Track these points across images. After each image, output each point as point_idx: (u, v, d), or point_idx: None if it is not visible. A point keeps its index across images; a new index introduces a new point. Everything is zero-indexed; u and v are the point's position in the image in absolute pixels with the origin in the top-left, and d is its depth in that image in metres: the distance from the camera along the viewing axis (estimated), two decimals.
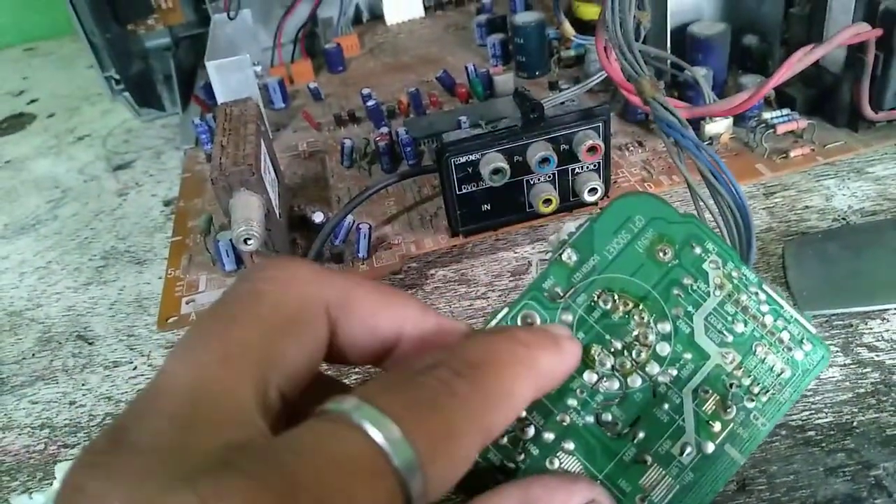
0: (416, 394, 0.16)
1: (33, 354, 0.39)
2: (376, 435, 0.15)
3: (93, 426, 0.34)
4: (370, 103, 0.49)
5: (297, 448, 0.14)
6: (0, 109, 0.73)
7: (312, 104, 0.55)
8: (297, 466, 0.14)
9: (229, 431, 0.15)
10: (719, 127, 0.40)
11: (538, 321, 0.21)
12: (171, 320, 0.36)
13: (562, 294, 0.22)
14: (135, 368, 0.37)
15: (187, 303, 0.37)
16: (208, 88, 0.54)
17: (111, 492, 0.13)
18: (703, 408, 0.21)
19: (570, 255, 0.22)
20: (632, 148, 0.42)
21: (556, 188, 0.36)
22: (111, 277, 0.44)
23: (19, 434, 0.34)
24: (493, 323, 0.21)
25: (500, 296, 0.37)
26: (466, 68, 0.51)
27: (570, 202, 0.37)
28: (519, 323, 0.21)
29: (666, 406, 0.21)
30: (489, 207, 0.36)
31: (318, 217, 0.39)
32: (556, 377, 0.20)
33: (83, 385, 0.37)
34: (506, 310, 0.21)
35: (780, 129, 0.40)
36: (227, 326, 0.17)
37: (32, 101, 0.74)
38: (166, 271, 0.39)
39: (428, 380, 0.16)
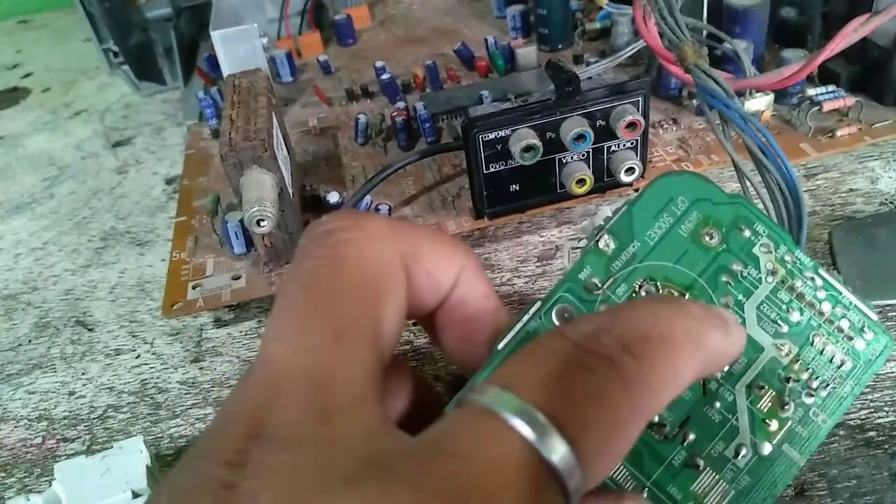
0: (578, 385, 0.15)
1: (30, 341, 0.37)
2: (538, 443, 0.14)
3: (93, 418, 0.32)
4: (384, 77, 0.46)
5: (456, 451, 0.14)
6: None
7: (322, 78, 0.52)
8: (460, 473, 0.13)
9: (363, 417, 0.15)
10: (760, 103, 0.38)
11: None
12: (176, 306, 0.33)
13: (599, 285, 0.20)
14: (138, 357, 0.35)
15: (194, 287, 0.34)
16: (212, 61, 0.52)
17: (265, 491, 0.13)
18: (759, 405, 0.19)
19: (607, 243, 0.20)
20: (666, 125, 0.40)
21: (589, 167, 0.34)
22: (111, 259, 0.42)
23: (15, 426, 0.32)
24: (525, 319, 0.19)
25: (526, 282, 0.35)
26: (486, 41, 0.48)
27: (604, 182, 0.35)
28: (554, 318, 0.19)
29: (717, 404, 0.19)
30: (518, 188, 0.34)
31: (333, 197, 0.37)
32: (721, 363, 0.18)
33: (83, 374, 0.34)
34: (538, 304, 0.19)
35: (826, 107, 0.37)
36: (323, 302, 0.16)
37: (27, 74, 0.71)
38: (171, 254, 0.37)
39: (592, 360, 0.15)
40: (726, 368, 0.19)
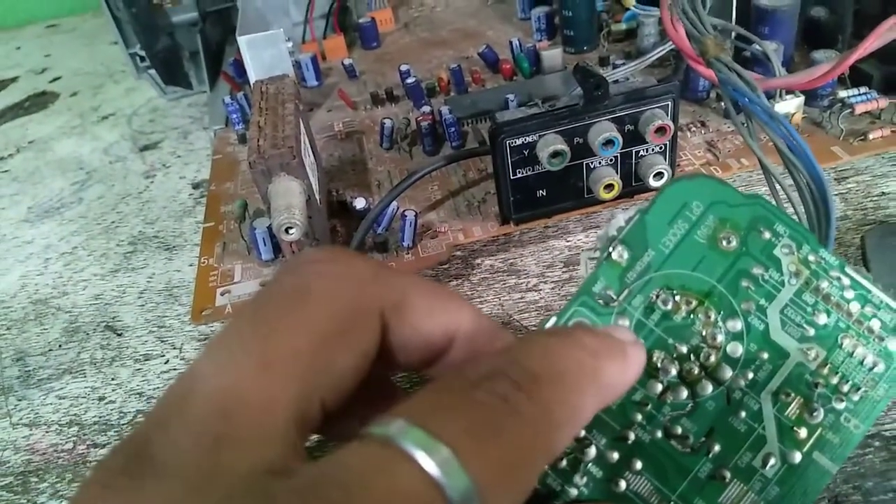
0: (474, 415, 0.14)
1: (60, 346, 0.37)
2: (431, 467, 0.13)
3: (123, 424, 0.32)
4: (409, 80, 0.46)
5: (344, 481, 0.13)
6: (22, 88, 0.71)
7: (347, 82, 0.52)
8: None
9: (263, 450, 0.14)
10: (790, 106, 0.37)
11: None
12: (205, 313, 0.34)
13: (615, 297, 0.19)
14: (167, 362, 0.35)
15: (222, 294, 0.35)
16: (238, 65, 0.52)
17: None
18: (786, 413, 0.19)
19: (620, 253, 0.19)
20: (693, 128, 0.39)
21: (617, 172, 0.33)
22: (139, 264, 0.42)
23: (46, 431, 0.33)
24: None
25: (553, 288, 0.35)
26: (511, 43, 0.48)
27: (632, 187, 0.34)
28: None
29: (743, 414, 0.19)
30: (545, 193, 0.34)
31: (359, 203, 0.37)
32: (620, 390, 0.17)
33: (112, 379, 0.35)
34: (554, 318, 0.19)
35: (859, 109, 0.37)
36: (271, 327, 0.15)
37: (55, 79, 0.72)
38: (199, 260, 0.37)
39: (486, 396, 0.14)
40: (750, 376, 0.19)
